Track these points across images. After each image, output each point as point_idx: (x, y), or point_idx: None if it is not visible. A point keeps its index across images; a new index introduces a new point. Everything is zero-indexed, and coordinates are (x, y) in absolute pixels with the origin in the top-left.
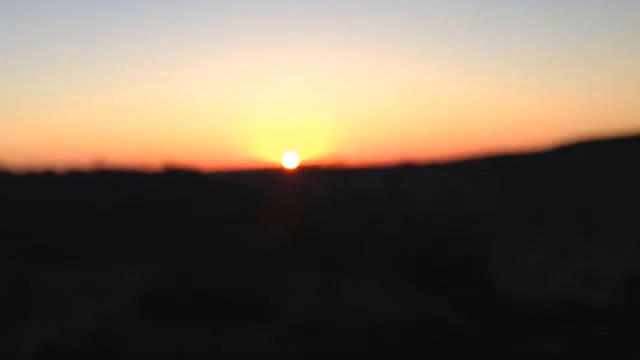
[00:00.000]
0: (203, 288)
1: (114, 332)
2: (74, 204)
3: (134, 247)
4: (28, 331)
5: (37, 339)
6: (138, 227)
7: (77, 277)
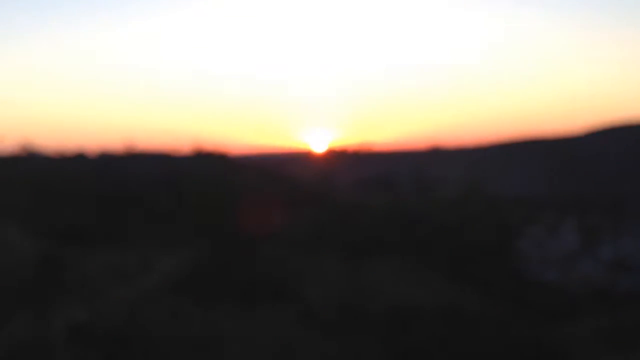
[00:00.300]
0: (230, 271)
1: (144, 314)
2: (105, 185)
3: (164, 230)
4: (59, 312)
5: (68, 319)
6: (168, 210)
7: (108, 259)
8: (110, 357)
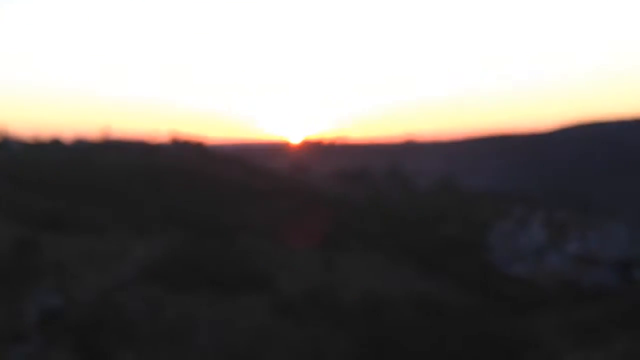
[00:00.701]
0: (205, 259)
1: (118, 299)
2: (81, 173)
3: (139, 217)
4: (33, 296)
5: (42, 304)
6: (144, 198)
7: (83, 246)
8: (83, 341)
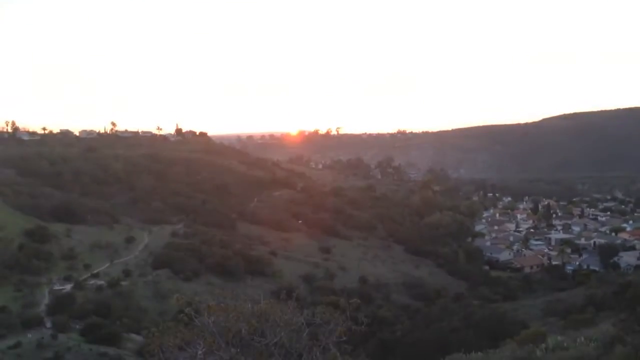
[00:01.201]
0: (209, 248)
1: (125, 285)
2: (90, 165)
3: (147, 208)
4: (44, 283)
5: (52, 290)
6: (151, 189)
7: (92, 235)
8: (93, 327)
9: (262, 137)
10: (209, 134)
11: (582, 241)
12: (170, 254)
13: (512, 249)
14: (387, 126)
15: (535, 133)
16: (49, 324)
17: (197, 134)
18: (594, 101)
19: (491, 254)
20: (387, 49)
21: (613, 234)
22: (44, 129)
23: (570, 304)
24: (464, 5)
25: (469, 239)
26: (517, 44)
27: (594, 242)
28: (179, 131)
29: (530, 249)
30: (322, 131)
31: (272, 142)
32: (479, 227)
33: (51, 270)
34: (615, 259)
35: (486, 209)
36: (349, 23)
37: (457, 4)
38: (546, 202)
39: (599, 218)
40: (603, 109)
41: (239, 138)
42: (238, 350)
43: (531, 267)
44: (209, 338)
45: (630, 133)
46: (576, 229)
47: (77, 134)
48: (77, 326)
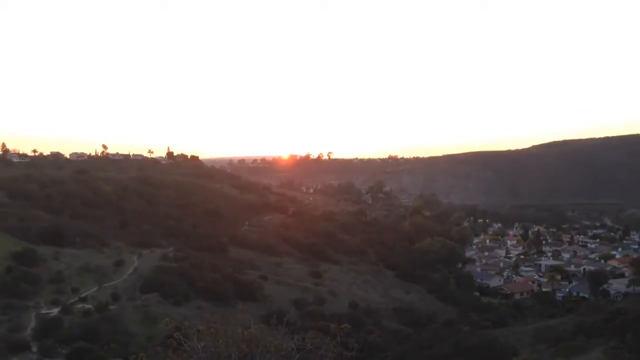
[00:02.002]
0: (199, 271)
1: (114, 310)
2: (79, 188)
3: (136, 232)
4: (31, 307)
5: (40, 315)
6: (140, 212)
7: (81, 258)
8: (80, 352)
9: (254, 161)
10: (201, 157)
11: (572, 268)
12: (159, 277)
13: (503, 275)
14: (378, 151)
15: (525, 160)
16: (35, 349)
17: (189, 157)
18: (583, 129)
19: (482, 279)
20: (379, 75)
21: (602, 261)
22: (34, 151)
23: (561, 331)
24: (455, 32)
25: (460, 265)
26: (506, 72)
27: (584, 269)
28: (170, 154)
29: (521, 275)
30: (314, 156)
31: (263, 166)
32: (469, 253)
33: (38, 293)
34: (605, 286)
35: (477, 234)
36: (340, 48)
37: (447, 31)
38: (536, 229)
39: (589, 245)
40: (592, 136)
41: (230, 162)
42: None
43: (521, 294)
44: None
45: (619, 160)
46: (566, 255)
47: (68, 157)
48: (64, 351)
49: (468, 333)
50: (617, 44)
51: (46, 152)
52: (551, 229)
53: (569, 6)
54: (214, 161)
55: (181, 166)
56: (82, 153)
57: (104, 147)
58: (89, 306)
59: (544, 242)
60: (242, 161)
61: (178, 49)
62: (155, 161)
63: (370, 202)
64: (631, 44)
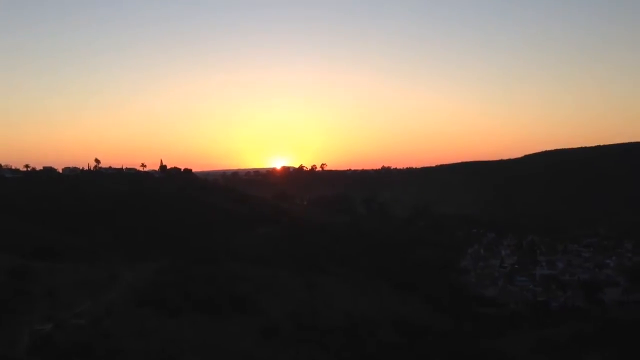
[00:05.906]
0: (193, 284)
1: (108, 324)
2: (72, 201)
3: (130, 244)
4: (24, 323)
5: (33, 331)
6: (133, 225)
7: (74, 273)
8: None
9: (247, 173)
10: (194, 170)
11: (567, 277)
12: (154, 291)
13: (497, 285)
14: (371, 162)
15: (518, 169)
16: None
17: (182, 170)
18: (575, 137)
19: (476, 289)
20: (372, 85)
21: (597, 269)
22: (27, 166)
23: (556, 341)
24: (447, 41)
25: (454, 275)
26: (499, 81)
27: (578, 278)
28: (163, 168)
29: (515, 285)
30: (307, 167)
31: (257, 178)
32: (463, 263)
33: (31, 309)
34: (600, 294)
35: (471, 244)
36: (332, 59)
37: (441, 39)
38: (530, 238)
39: (583, 254)
40: (585, 145)
41: (224, 174)
42: None
43: (516, 303)
44: None
45: (613, 169)
46: (560, 264)
47: (61, 171)
48: None
49: (464, 343)
50: (609, 52)
51: (39, 167)
52: (545, 238)
53: (564, 14)
54: (207, 174)
55: (174, 179)
56: (75, 167)
57: (97, 161)
58: (82, 321)
59: (538, 251)
60: (235, 174)
61: (171, 63)
62: (148, 175)
63: (365, 213)
64: (624, 52)
